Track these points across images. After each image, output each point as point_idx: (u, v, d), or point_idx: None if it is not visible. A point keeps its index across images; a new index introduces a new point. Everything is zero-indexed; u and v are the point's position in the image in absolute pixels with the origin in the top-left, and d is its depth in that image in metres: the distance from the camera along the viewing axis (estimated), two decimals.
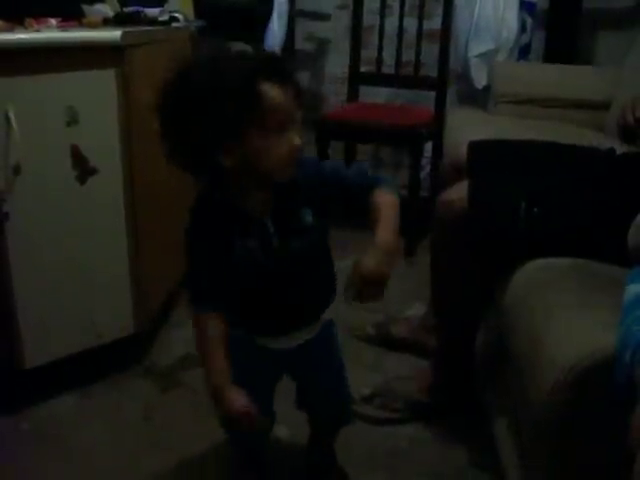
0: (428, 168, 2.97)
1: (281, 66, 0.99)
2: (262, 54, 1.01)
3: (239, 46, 1.57)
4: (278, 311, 1.09)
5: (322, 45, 3.36)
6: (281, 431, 1.45)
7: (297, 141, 0.99)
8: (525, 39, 3.01)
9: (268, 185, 1.03)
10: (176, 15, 2.01)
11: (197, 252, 1.05)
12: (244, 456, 1.31)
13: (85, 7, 1.74)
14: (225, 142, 0.95)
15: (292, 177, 1.02)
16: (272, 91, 0.95)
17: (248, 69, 0.95)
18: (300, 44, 3.34)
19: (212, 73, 0.95)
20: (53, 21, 1.62)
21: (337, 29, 3.25)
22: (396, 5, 2.84)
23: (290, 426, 1.45)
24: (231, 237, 1.02)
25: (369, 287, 0.97)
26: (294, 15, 3.17)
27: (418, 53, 2.79)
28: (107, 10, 1.77)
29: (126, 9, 1.81)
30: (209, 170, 1.01)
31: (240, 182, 1.01)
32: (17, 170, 1.39)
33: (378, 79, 2.91)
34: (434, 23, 2.85)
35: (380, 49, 2.85)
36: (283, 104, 0.96)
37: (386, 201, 1.04)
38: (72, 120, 1.45)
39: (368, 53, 2.91)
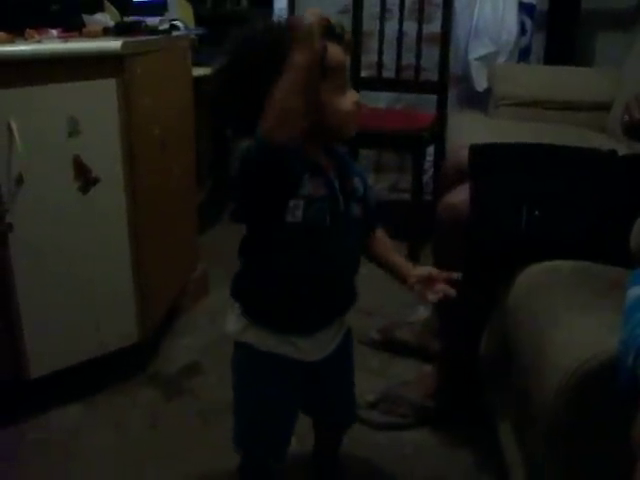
0: (431, 172, 2.98)
1: (337, 26, 1.01)
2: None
3: None
4: (319, 288, 1.05)
5: None
6: None
7: (356, 96, 1.04)
8: (525, 41, 3.02)
9: (329, 146, 1.05)
10: (176, 23, 2.01)
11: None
12: (256, 470, 1.27)
13: (85, 17, 1.75)
14: None
15: (353, 135, 1.05)
16: (334, 49, 0.98)
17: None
18: None
19: (274, 37, 0.96)
20: (54, 32, 1.62)
21: None
22: (396, 9, 2.84)
23: (296, 434, 1.44)
24: (300, 173, 0.99)
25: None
26: None
27: (418, 57, 2.79)
28: (107, 20, 1.77)
29: (126, 19, 1.82)
30: None
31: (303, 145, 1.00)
32: (20, 181, 1.40)
33: (379, 84, 2.91)
34: (434, 26, 2.84)
35: (380, 53, 2.85)
36: (344, 62, 1.01)
37: (388, 242, 1.18)
38: (74, 131, 1.45)
39: (368, 57, 2.91)
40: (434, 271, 1.09)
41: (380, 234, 1.18)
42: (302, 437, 1.41)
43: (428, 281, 1.08)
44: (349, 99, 1.02)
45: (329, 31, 0.97)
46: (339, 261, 1.07)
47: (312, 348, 1.11)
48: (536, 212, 1.29)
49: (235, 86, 1.00)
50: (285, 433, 1.18)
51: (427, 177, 2.95)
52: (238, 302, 1.10)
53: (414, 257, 2.45)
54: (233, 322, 1.11)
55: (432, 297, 1.06)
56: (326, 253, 1.04)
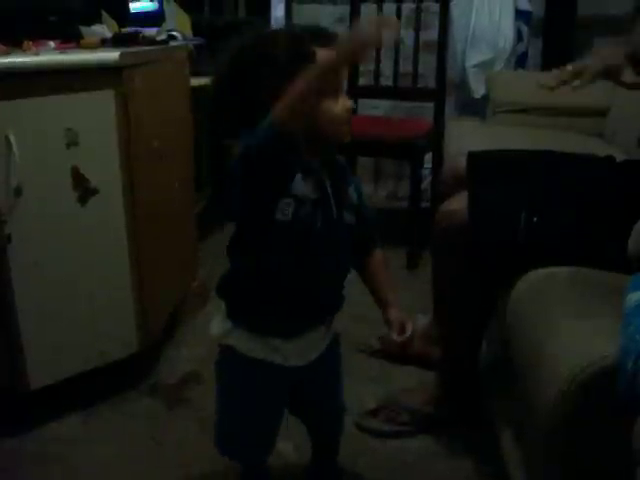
0: (429, 179, 2.98)
1: (329, 33, 1.03)
2: (308, 25, 1.06)
3: None
4: (304, 290, 1.06)
5: None
6: (287, 448, 1.44)
7: (349, 102, 1.04)
8: (522, 48, 3.04)
9: (328, 154, 1.06)
10: (174, 34, 2.02)
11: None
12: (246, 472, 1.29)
13: (83, 28, 1.75)
14: None
15: (347, 140, 1.06)
16: (324, 54, 0.97)
17: (300, 37, 0.99)
18: None
19: (266, 44, 0.99)
20: (51, 43, 1.63)
21: None
22: (393, 17, 2.85)
23: (295, 443, 1.44)
24: (292, 170, 1.00)
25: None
26: None
27: (416, 64, 2.80)
28: (105, 31, 1.78)
29: (124, 30, 1.83)
30: None
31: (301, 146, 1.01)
32: (18, 192, 1.40)
33: (376, 92, 2.92)
34: (431, 34, 2.86)
35: (378, 61, 2.86)
36: None
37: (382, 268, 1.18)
38: (72, 142, 1.45)
39: (366, 66, 2.92)
40: (405, 322, 1.14)
41: (377, 258, 1.19)
42: (300, 446, 1.41)
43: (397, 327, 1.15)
44: (341, 105, 1.03)
45: (320, 37, 1.00)
46: (326, 265, 1.07)
47: (294, 353, 1.11)
48: (534, 219, 1.29)
49: (235, 87, 1.02)
50: (266, 437, 1.19)
51: (425, 184, 2.96)
52: (223, 300, 1.11)
53: (413, 265, 2.45)
54: (218, 324, 1.13)
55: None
56: (314, 255, 1.05)
